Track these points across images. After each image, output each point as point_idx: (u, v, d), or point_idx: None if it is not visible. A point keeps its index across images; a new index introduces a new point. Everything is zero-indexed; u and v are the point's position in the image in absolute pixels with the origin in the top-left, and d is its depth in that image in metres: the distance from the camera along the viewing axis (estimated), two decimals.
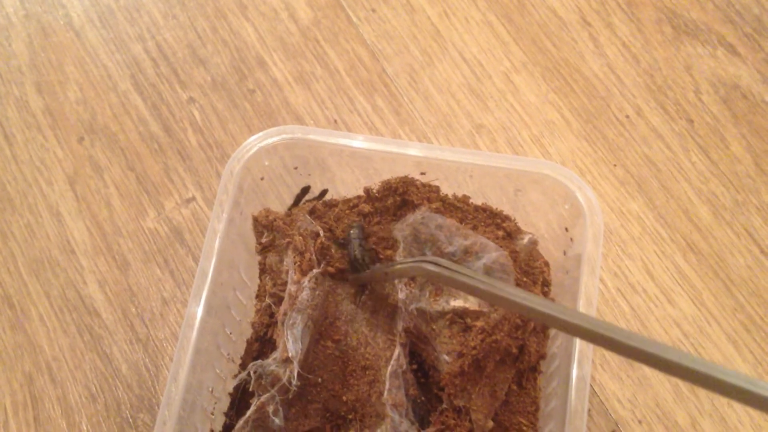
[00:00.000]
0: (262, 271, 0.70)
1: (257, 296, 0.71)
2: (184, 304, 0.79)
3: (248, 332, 0.71)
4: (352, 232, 0.66)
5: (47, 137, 0.87)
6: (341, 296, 0.67)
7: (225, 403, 0.68)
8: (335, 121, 0.87)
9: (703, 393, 0.74)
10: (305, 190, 0.71)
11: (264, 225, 0.67)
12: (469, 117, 0.87)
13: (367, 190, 0.69)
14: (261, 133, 0.67)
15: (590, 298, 0.61)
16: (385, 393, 0.61)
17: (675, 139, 0.85)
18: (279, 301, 0.67)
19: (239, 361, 0.70)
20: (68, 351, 0.77)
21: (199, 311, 0.63)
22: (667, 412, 0.73)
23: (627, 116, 0.87)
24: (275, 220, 0.66)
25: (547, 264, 0.69)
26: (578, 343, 0.61)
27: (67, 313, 0.79)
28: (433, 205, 0.66)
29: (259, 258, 0.70)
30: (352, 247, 0.65)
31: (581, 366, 0.60)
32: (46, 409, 0.75)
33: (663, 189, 0.83)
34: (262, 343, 0.70)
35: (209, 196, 0.83)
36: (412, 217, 0.65)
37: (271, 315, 0.69)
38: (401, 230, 0.65)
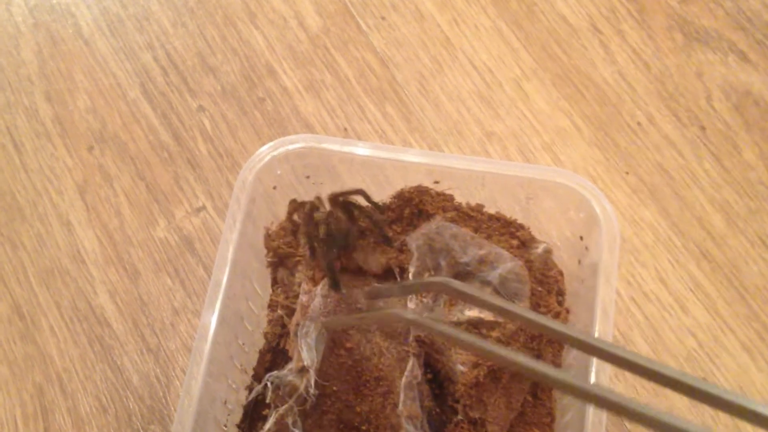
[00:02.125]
0: (274, 281, 0.70)
1: (269, 306, 0.71)
2: (195, 314, 0.78)
3: (260, 342, 0.70)
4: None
5: (57, 146, 0.87)
6: (355, 303, 0.66)
7: (238, 414, 0.68)
8: (345, 129, 0.86)
9: None
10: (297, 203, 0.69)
11: (273, 248, 0.67)
12: (479, 124, 0.87)
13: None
14: (273, 143, 0.67)
15: (606, 308, 0.60)
16: (400, 405, 0.61)
17: (687, 146, 0.85)
18: (291, 312, 0.67)
19: (251, 372, 0.70)
20: (79, 362, 0.77)
21: (213, 322, 0.62)
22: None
23: (639, 123, 0.86)
24: (280, 246, 0.66)
25: (561, 273, 0.69)
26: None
27: (77, 323, 0.78)
28: (448, 215, 0.66)
29: (270, 269, 0.69)
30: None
31: (598, 376, 0.60)
32: (57, 421, 0.74)
33: (676, 197, 0.82)
34: (274, 354, 0.69)
35: (219, 205, 0.83)
36: (427, 227, 0.65)
37: (284, 325, 0.69)
38: (415, 240, 0.65)
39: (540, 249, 0.68)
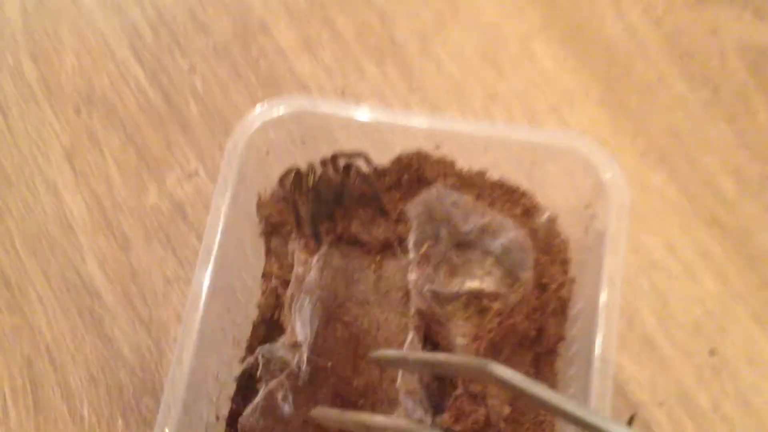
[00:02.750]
0: (268, 250, 0.67)
1: (263, 276, 0.68)
2: (188, 284, 0.75)
3: (254, 314, 0.68)
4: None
5: (43, 109, 0.83)
6: (352, 275, 0.64)
7: (231, 387, 0.66)
8: (343, 90, 0.83)
9: (726, 375, 0.71)
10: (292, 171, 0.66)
11: (265, 216, 0.64)
12: (483, 85, 0.83)
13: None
14: (265, 104, 0.63)
15: (613, 278, 0.58)
16: (398, 380, 0.59)
17: (699, 107, 0.81)
18: (285, 283, 0.65)
19: (245, 344, 0.67)
20: (68, 333, 0.74)
21: (204, 291, 0.59)
22: (688, 394, 0.70)
23: (649, 84, 0.82)
24: (272, 214, 0.64)
25: (566, 242, 0.66)
26: (602, 326, 0.57)
27: (66, 293, 0.76)
28: (449, 182, 0.63)
29: (263, 238, 0.67)
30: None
31: (605, 350, 0.57)
32: (46, 394, 0.72)
33: (686, 160, 0.79)
34: (268, 326, 0.67)
35: (212, 169, 0.80)
36: (427, 194, 0.62)
37: (278, 296, 0.67)
38: (414, 208, 0.62)
39: (544, 217, 0.65)
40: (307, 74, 0.84)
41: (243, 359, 0.66)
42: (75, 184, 0.80)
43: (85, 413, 0.72)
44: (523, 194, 0.65)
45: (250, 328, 0.68)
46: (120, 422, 0.72)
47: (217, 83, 0.84)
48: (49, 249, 0.78)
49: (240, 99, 0.83)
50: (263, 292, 0.67)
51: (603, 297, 0.58)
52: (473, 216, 0.61)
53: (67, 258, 0.77)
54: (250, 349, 0.67)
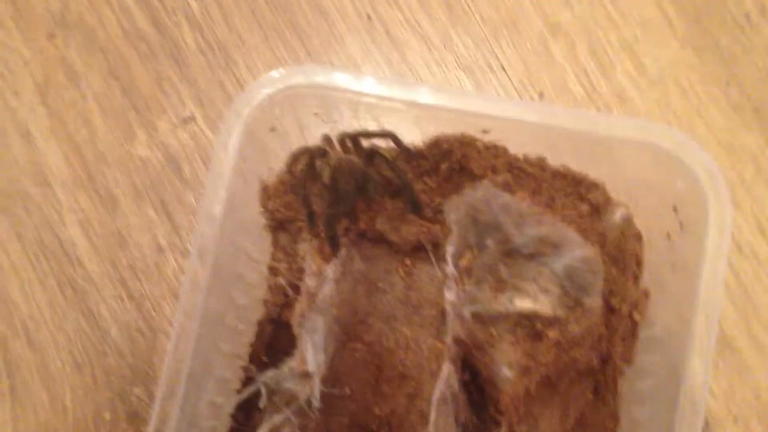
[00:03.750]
0: (275, 244, 0.55)
1: (270, 269, 0.57)
2: (184, 254, 0.65)
3: (259, 309, 0.57)
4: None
5: (10, 32, 0.69)
6: (376, 282, 0.52)
7: (234, 384, 0.56)
8: (368, 16, 0.68)
9: None
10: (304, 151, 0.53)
11: (270, 210, 0.52)
12: (541, 14, 0.68)
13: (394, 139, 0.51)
14: (272, 74, 0.50)
15: (711, 318, 0.46)
16: (431, 425, 0.48)
17: None
18: (295, 287, 0.53)
19: (248, 349, 0.57)
20: (47, 308, 0.64)
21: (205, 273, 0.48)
22: None
23: (747, 16, 0.67)
24: (278, 209, 0.51)
25: (641, 248, 0.53)
26: (695, 363, 0.46)
27: (44, 261, 0.65)
28: (499, 178, 0.50)
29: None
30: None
31: (696, 391, 0.46)
32: (24, 379, 0.63)
33: None
34: (276, 327, 0.57)
35: (212, 114, 0.67)
36: (470, 194, 0.49)
37: (286, 295, 0.55)
38: (455, 209, 0.49)
39: (617, 215, 0.53)
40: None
41: (246, 368, 0.55)
42: (50, 129, 0.67)
43: (68, 402, 0.63)
44: (592, 186, 0.52)
45: (254, 322, 0.57)
46: (107, 414, 0.63)
47: (216, 5, 0.69)
48: (23, 207, 0.66)
49: (244, 26, 0.68)
50: (270, 288, 0.56)
51: (697, 325, 0.46)
52: (529, 224, 0.48)
53: (43, 218, 0.66)
54: (255, 356, 0.57)
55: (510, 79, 0.67)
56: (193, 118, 0.67)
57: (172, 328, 0.49)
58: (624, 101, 0.66)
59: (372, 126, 0.51)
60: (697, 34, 0.67)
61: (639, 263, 0.54)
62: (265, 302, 0.57)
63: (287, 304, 0.56)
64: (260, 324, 0.57)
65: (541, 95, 0.66)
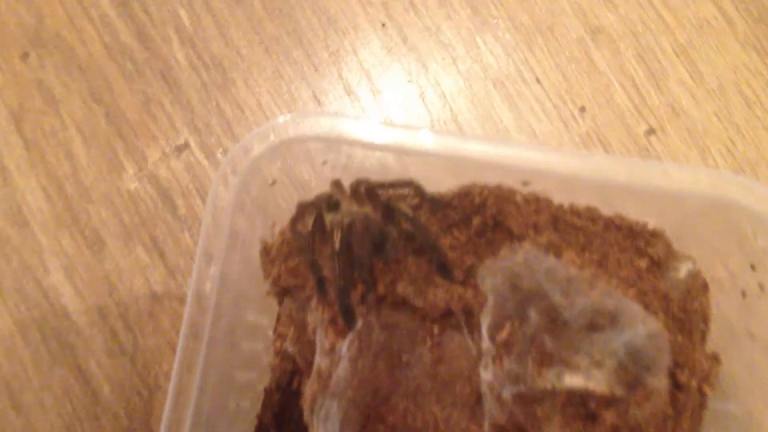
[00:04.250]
0: (280, 312, 0.48)
1: (275, 331, 0.49)
2: (181, 302, 0.58)
3: (265, 375, 0.50)
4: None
5: None
6: (399, 355, 0.44)
7: None
8: (383, 24, 0.60)
9: None
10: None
11: (273, 276, 0.44)
12: (581, 16, 0.59)
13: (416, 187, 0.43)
14: (267, 126, 0.42)
15: None
16: None
17: None
18: (305, 360, 0.46)
19: (254, 417, 0.49)
20: (32, 366, 0.58)
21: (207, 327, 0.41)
22: None
23: None
24: (282, 276, 0.43)
25: (708, 307, 0.45)
26: None
27: (25, 311, 0.58)
28: (543, 238, 0.42)
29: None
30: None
31: None
32: None
33: None
34: (285, 396, 0.49)
35: (209, 141, 0.59)
36: (509, 258, 0.41)
37: (295, 363, 0.48)
38: (491, 275, 0.42)
39: (682, 271, 0.45)
40: (332, 1, 0.60)
41: None
42: (28, 162, 0.60)
43: None
44: (652, 237, 0.44)
45: (260, 387, 0.50)
46: None
47: (209, 15, 0.61)
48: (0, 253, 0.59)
49: (241, 38, 0.60)
50: (277, 352, 0.49)
51: None
52: (579, 291, 0.40)
53: (23, 264, 0.59)
54: (262, 426, 0.49)
55: (546, 92, 0.58)
56: (187, 146, 0.59)
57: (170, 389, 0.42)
58: (678, 114, 0.57)
59: (397, 174, 0.43)
60: (761, 34, 0.58)
61: (706, 320, 0.46)
62: (273, 368, 0.49)
63: (296, 372, 0.49)
64: (267, 390, 0.49)
65: (582, 110, 0.58)
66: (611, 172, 0.39)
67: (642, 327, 0.40)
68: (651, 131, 0.57)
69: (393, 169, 0.45)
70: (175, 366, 0.42)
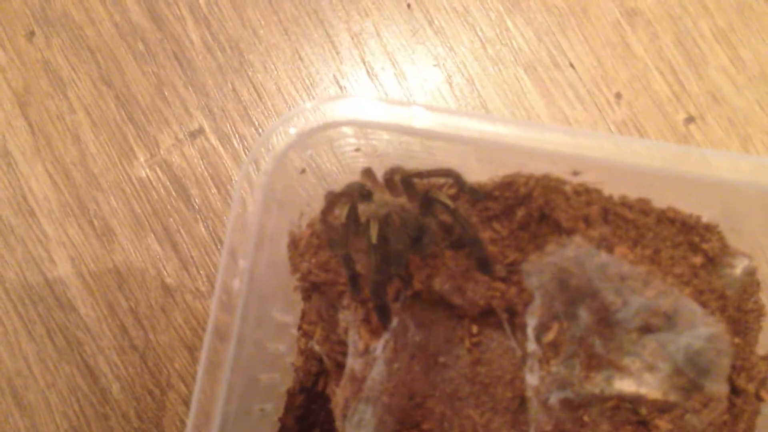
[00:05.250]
0: (306, 308, 0.45)
1: (300, 329, 0.46)
2: (196, 295, 0.55)
3: (288, 375, 0.47)
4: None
5: None
6: (436, 356, 0.42)
7: None
8: (408, 4, 0.57)
9: None
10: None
11: (302, 270, 0.41)
12: None
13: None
14: (305, 106, 0.39)
15: None
16: None
17: None
18: (335, 361, 0.43)
19: (276, 419, 0.47)
20: (36, 362, 0.55)
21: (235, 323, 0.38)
22: None
23: None
24: (312, 271, 0.40)
25: (759, 296, 0.43)
26: None
27: (30, 305, 0.56)
28: (594, 232, 0.39)
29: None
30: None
31: None
32: None
33: None
34: (309, 397, 0.46)
35: (224, 126, 0.56)
36: (558, 253, 0.38)
37: (321, 360, 0.45)
38: (538, 272, 0.39)
39: (739, 269, 0.42)
40: None
41: None
42: (33, 147, 0.57)
43: None
44: (706, 232, 0.41)
45: (283, 389, 0.47)
46: None
47: None
48: (2, 242, 0.56)
49: (258, 18, 0.57)
50: (301, 351, 0.46)
51: None
52: (633, 289, 0.38)
53: (28, 255, 0.56)
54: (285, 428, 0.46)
55: (580, 77, 0.56)
56: (201, 132, 0.56)
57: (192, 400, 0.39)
58: (718, 102, 0.55)
59: (423, 162, 0.40)
60: None
61: (759, 317, 0.43)
62: (296, 368, 0.46)
63: (322, 373, 0.46)
64: (290, 393, 0.47)
65: (618, 96, 0.55)
66: (664, 159, 0.37)
67: (702, 328, 0.37)
68: (690, 119, 0.54)
69: (419, 157, 0.42)
70: (200, 368, 0.39)
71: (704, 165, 0.38)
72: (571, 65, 0.56)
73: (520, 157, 0.41)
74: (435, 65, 0.56)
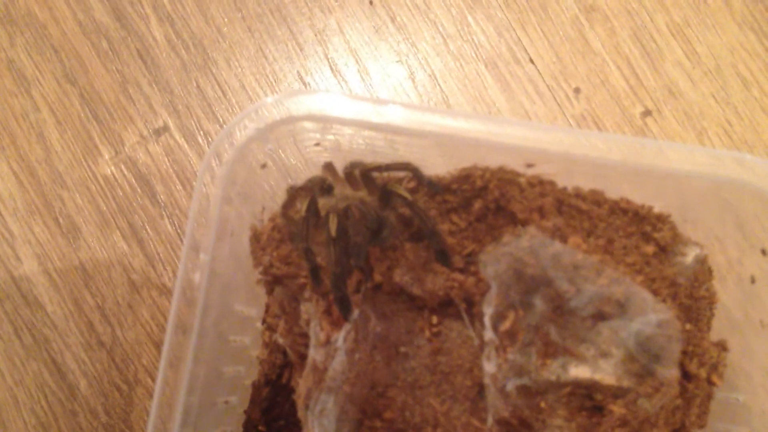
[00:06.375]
0: (270, 292, 0.45)
1: (264, 322, 0.47)
2: (162, 291, 0.55)
3: (254, 369, 0.48)
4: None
5: None
6: (397, 346, 0.43)
7: None
8: (371, 2, 0.57)
9: None
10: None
11: (264, 264, 0.42)
12: None
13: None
14: (267, 100, 0.39)
15: None
16: None
17: None
18: (297, 352, 0.43)
19: (241, 412, 0.47)
20: (3, 360, 0.55)
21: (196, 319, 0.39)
22: None
23: None
24: (274, 264, 0.41)
25: (715, 293, 0.44)
26: None
27: None
28: (548, 222, 0.40)
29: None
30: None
31: None
32: None
33: None
34: (274, 390, 0.47)
35: (189, 123, 0.57)
36: (513, 243, 0.39)
37: (285, 355, 0.46)
38: (494, 262, 0.40)
39: (690, 257, 0.43)
40: None
41: None
42: None
43: None
44: (658, 221, 0.42)
45: (248, 381, 0.48)
46: None
47: None
48: None
49: (222, 15, 0.57)
50: (265, 344, 0.47)
51: None
52: (586, 278, 0.39)
53: None
54: (251, 424, 0.47)
55: (540, 72, 0.57)
56: (166, 129, 0.56)
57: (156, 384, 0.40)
58: (674, 96, 0.56)
59: (386, 157, 0.41)
60: (759, 14, 0.56)
61: (712, 306, 0.44)
62: (261, 361, 0.47)
63: (287, 366, 0.46)
64: (255, 386, 0.47)
65: (576, 91, 0.56)
66: (620, 151, 0.38)
67: (653, 315, 0.38)
68: (647, 113, 0.55)
69: (382, 152, 0.43)
70: (162, 360, 0.39)
71: (660, 157, 0.39)
72: (531, 61, 0.57)
73: (481, 151, 0.42)
74: (398, 61, 0.57)
